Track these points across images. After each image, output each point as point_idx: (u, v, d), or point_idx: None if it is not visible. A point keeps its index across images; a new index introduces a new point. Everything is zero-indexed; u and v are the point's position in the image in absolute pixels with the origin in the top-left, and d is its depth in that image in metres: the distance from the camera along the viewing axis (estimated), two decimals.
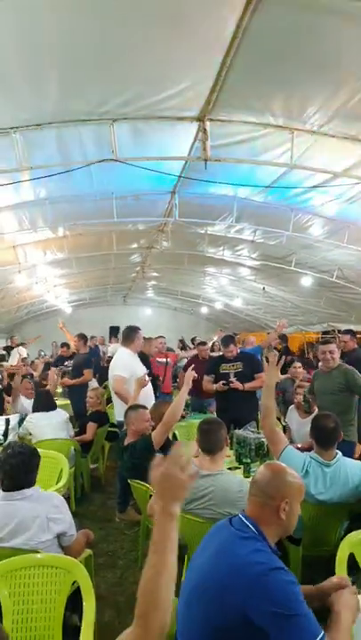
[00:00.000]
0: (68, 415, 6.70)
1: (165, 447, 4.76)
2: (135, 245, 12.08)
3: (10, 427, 6.13)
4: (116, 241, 10.35)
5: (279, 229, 8.71)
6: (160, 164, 6.28)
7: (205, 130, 5.49)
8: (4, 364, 12.30)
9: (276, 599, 1.88)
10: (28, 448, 3.33)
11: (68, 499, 5.71)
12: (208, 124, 5.45)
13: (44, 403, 6.47)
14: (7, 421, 6.18)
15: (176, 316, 23.34)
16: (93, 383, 9.26)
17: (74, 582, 2.78)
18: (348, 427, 5.41)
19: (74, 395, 8.97)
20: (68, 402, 9.08)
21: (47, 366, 10.99)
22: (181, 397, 4.75)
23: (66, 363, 10.80)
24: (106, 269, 14.36)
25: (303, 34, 3.92)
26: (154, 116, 5.36)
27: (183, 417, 7.60)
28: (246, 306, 17.52)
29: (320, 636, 1.85)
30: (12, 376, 9.63)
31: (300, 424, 6.15)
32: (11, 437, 6.03)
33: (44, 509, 3.04)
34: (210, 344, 10.90)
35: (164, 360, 8.57)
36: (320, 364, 6.11)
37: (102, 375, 9.85)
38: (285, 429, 6.32)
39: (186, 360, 10.12)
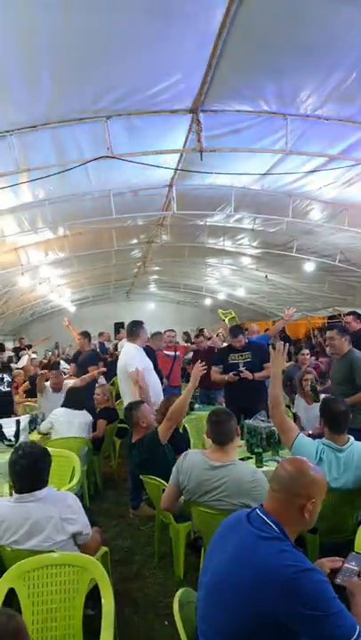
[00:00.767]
0: (91, 419, 6.71)
1: (174, 440, 4.79)
2: (135, 241, 12.07)
3: (21, 428, 6.14)
4: (116, 237, 10.35)
5: (278, 216, 8.67)
6: (156, 159, 6.26)
7: (199, 121, 5.47)
8: (13, 365, 12.32)
9: (310, 601, 1.84)
10: (38, 449, 3.33)
11: (81, 497, 5.75)
12: (201, 115, 5.42)
13: (74, 399, 6.52)
14: (18, 422, 6.20)
15: (180, 310, 23.33)
16: (101, 380, 9.23)
17: (91, 580, 2.78)
18: (358, 415, 5.15)
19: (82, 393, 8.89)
20: None
21: (56, 366, 10.97)
22: (188, 393, 4.76)
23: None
24: (107, 266, 14.34)
25: (291, 20, 3.89)
26: (147, 110, 5.34)
27: (192, 408, 7.63)
28: (250, 295, 17.51)
29: (358, 631, 1.83)
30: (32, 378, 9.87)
31: (308, 410, 6.15)
32: (22, 438, 6.05)
33: (57, 510, 3.03)
34: (215, 335, 10.89)
35: (173, 353, 8.56)
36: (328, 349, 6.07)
37: (109, 371, 9.87)
38: (295, 418, 6.31)
39: (192, 354, 10.14)
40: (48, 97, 4.80)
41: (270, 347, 6.12)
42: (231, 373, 6.36)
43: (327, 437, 3.87)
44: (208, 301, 20.68)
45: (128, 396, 6.08)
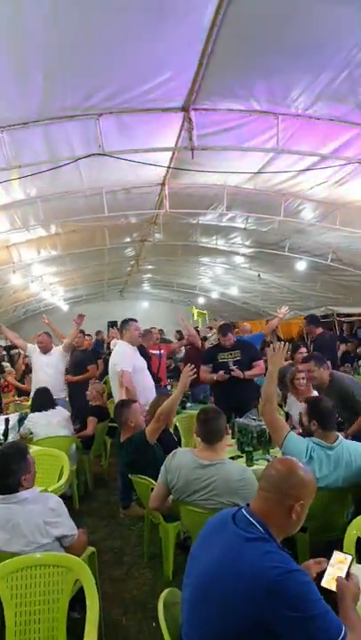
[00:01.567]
0: (68, 414, 6.69)
1: (163, 440, 4.77)
2: (128, 239, 12.03)
3: (10, 426, 6.12)
4: (109, 236, 10.32)
5: (270, 215, 8.65)
6: (148, 157, 6.23)
7: (191, 119, 5.45)
8: (4, 364, 12.27)
9: (295, 603, 1.81)
10: (11, 449, 3.30)
11: (70, 497, 5.73)
12: (193, 113, 5.40)
13: (43, 402, 6.44)
14: (7, 421, 6.17)
15: (173, 308, 23.21)
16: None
17: (78, 582, 2.76)
18: None
19: (76, 392, 8.78)
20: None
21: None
22: (177, 396, 4.75)
23: None
24: (100, 265, 14.30)
25: (281, 19, 3.88)
26: (139, 108, 5.30)
27: (184, 407, 7.63)
28: (243, 294, 17.49)
29: (343, 633, 1.82)
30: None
31: (300, 408, 6.13)
32: (11, 437, 6.02)
33: (40, 513, 3.01)
34: (210, 334, 10.89)
35: (158, 352, 8.56)
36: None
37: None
38: (287, 417, 6.30)
39: (184, 351, 10.14)
40: (39, 94, 4.76)
41: (268, 345, 6.11)
42: (222, 372, 6.35)
43: (317, 435, 3.88)
44: (201, 300, 20.64)
45: (117, 395, 6.07)
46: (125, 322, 6.43)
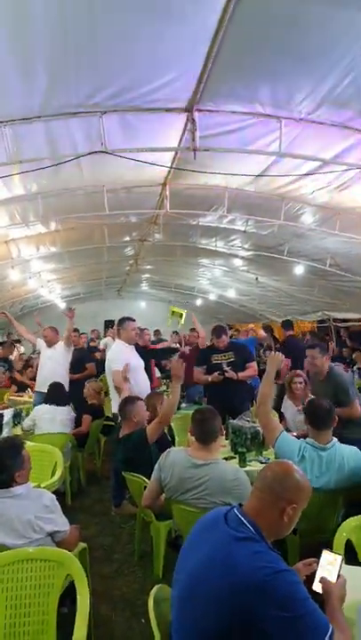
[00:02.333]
0: (73, 415, 6.73)
1: (158, 440, 4.78)
2: (128, 238, 12.01)
3: (4, 422, 6.12)
4: (109, 234, 10.28)
5: (270, 219, 8.65)
6: (150, 156, 6.24)
7: (194, 120, 5.46)
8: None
9: (283, 603, 1.82)
10: (7, 444, 3.31)
11: (63, 493, 5.74)
12: (196, 114, 5.41)
13: (56, 396, 6.50)
14: (1, 417, 6.18)
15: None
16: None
17: (68, 578, 2.76)
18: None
19: (74, 389, 8.84)
20: None
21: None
22: (174, 394, 4.77)
23: None
24: (99, 263, 14.28)
25: (288, 22, 3.89)
26: (143, 107, 5.31)
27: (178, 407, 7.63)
28: (240, 296, 17.49)
29: (330, 631, 1.84)
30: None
31: (295, 413, 6.15)
32: (5, 432, 6.02)
33: (33, 509, 3.02)
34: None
35: None
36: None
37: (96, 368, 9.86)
38: (281, 419, 6.32)
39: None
40: (43, 90, 4.76)
41: (268, 348, 6.15)
42: (216, 373, 6.37)
43: (311, 436, 3.91)
44: (199, 301, 20.64)
45: (114, 393, 6.08)
46: (122, 320, 6.43)
